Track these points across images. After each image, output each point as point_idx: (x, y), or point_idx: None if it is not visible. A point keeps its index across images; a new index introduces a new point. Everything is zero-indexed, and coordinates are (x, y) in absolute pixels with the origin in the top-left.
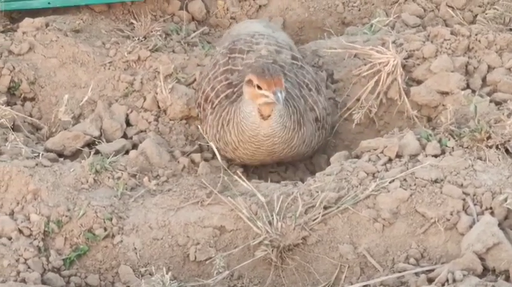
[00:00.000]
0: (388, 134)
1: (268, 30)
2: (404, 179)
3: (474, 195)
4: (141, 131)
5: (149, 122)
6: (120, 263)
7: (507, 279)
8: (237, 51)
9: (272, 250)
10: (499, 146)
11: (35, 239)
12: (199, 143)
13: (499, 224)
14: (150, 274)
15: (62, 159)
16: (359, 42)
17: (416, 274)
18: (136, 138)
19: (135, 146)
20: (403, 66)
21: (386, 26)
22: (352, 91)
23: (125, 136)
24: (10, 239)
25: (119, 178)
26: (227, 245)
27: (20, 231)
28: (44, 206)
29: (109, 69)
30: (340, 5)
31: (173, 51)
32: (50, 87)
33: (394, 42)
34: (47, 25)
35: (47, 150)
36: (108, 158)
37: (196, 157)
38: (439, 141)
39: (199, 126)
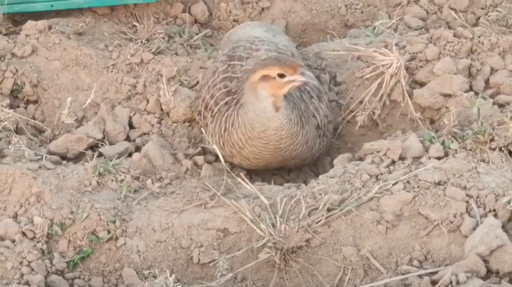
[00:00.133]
0: (391, 137)
1: (269, 35)
2: (408, 182)
3: (477, 197)
4: (144, 134)
5: (152, 125)
6: (124, 265)
7: (511, 281)
8: (237, 58)
9: (275, 252)
10: (502, 149)
11: (38, 241)
12: (202, 145)
13: (503, 227)
14: (153, 277)
15: (65, 162)
16: (362, 45)
17: (420, 276)
18: (140, 140)
19: (138, 149)
20: (406, 69)
21: (389, 28)
22: (355, 93)
23: (128, 139)
24: (13, 241)
25: (122, 181)
26: (230, 247)
27: (24, 234)
28: (47, 208)
29: (112, 71)
30: (342, 7)
31: (176, 54)
32: (53, 90)
33: (396, 44)
34: (49, 28)
35: (50, 153)
36: (111, 160)
37: (200, 159)
38: (442, 143)
39: (202, 129)
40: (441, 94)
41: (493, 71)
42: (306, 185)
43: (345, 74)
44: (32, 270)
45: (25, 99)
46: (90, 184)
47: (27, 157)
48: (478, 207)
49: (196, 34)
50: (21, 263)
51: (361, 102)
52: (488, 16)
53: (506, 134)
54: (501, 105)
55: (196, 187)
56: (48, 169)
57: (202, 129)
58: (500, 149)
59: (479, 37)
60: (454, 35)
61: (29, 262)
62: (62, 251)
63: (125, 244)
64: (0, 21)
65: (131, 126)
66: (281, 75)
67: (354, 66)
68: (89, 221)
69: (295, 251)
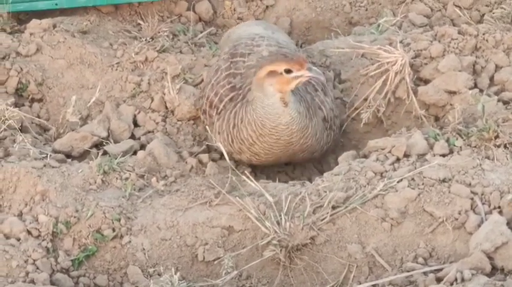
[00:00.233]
0: (395, 134)
1: (268, 32)
2: (412, 179)
3: (482, 194)
4: (149, 132)
5: (157, 123)
6: (129, 263)
7: None
8: (238, 55)
9: (280, 250)
10: (507, 145)
11: (43, 240)
12: (207, 143)
13: (507, 223)
14: (158, 275)
15: (69, 160)
16: (366, 42)
17: (425, 273)
18: (144, 139)
19: (143, 147)
20: (411, 66)
21: (394, 25)
22: (359, 91)
23: (132, 137)
24: (19, 240)
25: (127, 179)
26: (235, 245)
27: (29, 232)
28: (52, 207)
29: (116, 70)
30: (347, 5)
31: (180, 52)
32: (58, 88)
33: (401, 42)
34: (54, 26)
35: (55, 151)
36: (116, 158)
37: (204, 157)
38: (447, 140)
39: (207, 128)
40: (446, 91)
41: (497, 68)
42: (311, 182)
43: (349, 71)
44: (37, 268)
45: (30, 97)
46: (95, 182)
47: (32, 155)
48: (483, 204)
49: (201, 32)
50: (26, 261)
51: (365, 99)
52: (493, 13)
53: (511, 131)
54: (506, 102)
55: (201, 185)
56: (53, 167)
57: (207, 127)
58: (505, 146)
59: (483, 34)
60: (459, 32)
61: (34, 260)
62: (67, 250)
63: (130, 242)
64: (4, 20)
65: (136, 124)
66: (288, 71)
67: (358, 64)
68: (93, 219)
69: (300, 248)
